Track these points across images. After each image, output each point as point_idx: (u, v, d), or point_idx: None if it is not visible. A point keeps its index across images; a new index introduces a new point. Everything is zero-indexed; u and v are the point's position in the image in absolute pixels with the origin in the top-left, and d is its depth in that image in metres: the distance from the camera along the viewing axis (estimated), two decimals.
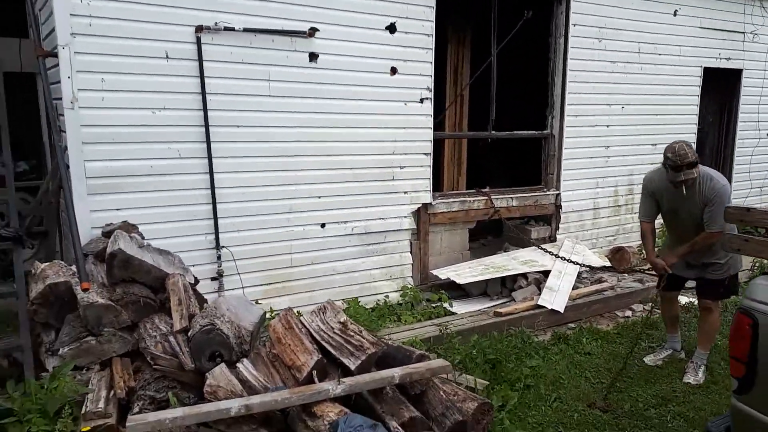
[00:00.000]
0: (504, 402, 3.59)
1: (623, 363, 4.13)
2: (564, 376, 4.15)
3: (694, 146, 4.89)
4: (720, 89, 8.04)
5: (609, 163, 6.89)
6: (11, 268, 3.64)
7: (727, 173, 8.18)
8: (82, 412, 2.89)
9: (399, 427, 2.71)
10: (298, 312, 3.47)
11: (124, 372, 3.16)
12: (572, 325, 5.16)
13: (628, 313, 5.50)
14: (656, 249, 4.26)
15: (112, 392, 3.04)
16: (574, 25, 6.32)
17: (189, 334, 3.12)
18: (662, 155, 3.85)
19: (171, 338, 3.14)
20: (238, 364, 3.00)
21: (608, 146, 6.85)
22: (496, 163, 8.54)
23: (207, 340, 3.03)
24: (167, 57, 4.22)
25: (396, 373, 2.88)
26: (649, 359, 4.41)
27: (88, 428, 2.72)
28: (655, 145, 7.19)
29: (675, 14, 7.08)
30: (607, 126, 6.80)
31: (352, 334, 3.04)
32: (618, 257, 6.56)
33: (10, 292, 3.63)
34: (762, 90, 8.04)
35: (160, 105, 4.27)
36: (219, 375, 2.84)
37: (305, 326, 3.12)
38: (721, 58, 7.64)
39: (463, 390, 3.26)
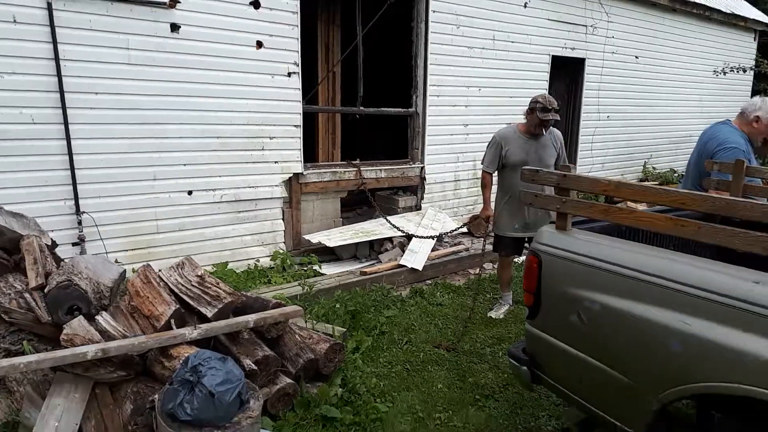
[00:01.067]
0: (358, 345, 3.97)
1: (469, 312, 4.67)
2: (416, 323, 4.62)
3: None
4: (567, 75, 8.99)
5: (468, 139, 7.51)
6: None
7: (573, 150, 9.21)
8: None
9: (252, 365, 2.98)
10: (159, 270, 3.60)
11: None
12: (429, 281, 5.68)
13: (479, 270, 6.11)
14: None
15: None
16: (434, 12, 6.81)
17: (45, 290, 3.16)
18: (529, 104, 4.37)
19: (26, 295, 3.16)
20: (97, 317, 3.09)
21: (467, 124, 7.47)
22: (371, 138, 8.97)
23: (64, 295, 3.08)
24: (14, 21, 4.10)
25: (251, 318, 3.14)
26: (492, 313, 4.96)
27: None
28: (509, 124, 7.89)
29: (525, 6, 7.81)
30: (466, 106, 7.41)
31: (209, 286, 3.24)
32: (476, 224, 7.24)
33: None
34: (601, 77, 9.09)
35: (8, 69, 4.15)
36: (77, 326, 2.93)
37: (163, 280, 3.28)
38: (566, 48, 8.53)
39: (318, 334, 3.59)
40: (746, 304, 1.89)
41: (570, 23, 8.47)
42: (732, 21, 11.27)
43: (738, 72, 9.81)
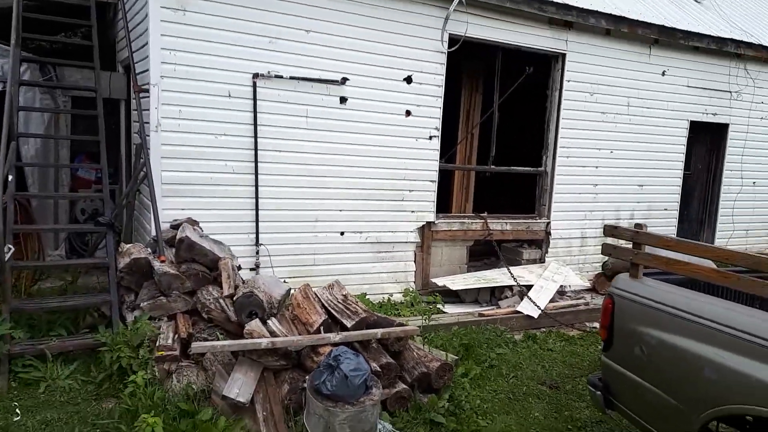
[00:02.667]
0: (467, 372, 4.62)
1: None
2: (524, 363, 5.16)
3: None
4: (708, 140, 8.98)
5: (597, 198, 7.88)
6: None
7: (713, 215, 9.09)
8: (156, 345, 4.06)
9: (377, 368, 3.80)
10: (315, 289, 4.61)
11: (186, 322, 4.34)
12: (544, 329, 6.14)
13: (596, 325, 6.44)
14: None
15: (176, 335, 4.21)
16: (568, 81, 7.43)
17: (234, 298, 4.28)
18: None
19: (221, 300, 4.31)
20: (268, 321, 4.12)
21: (596, 184, 7.86)
22: (502, 194, 9.62)
23: (247, 302, 4.17)
24: (230, 95, 5.51)
25: (379, 331, 3.99)
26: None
27: (162, 352, 3.88)
28: (642, 185, 8.20)
29: (663, 74, 8.12)
30: (596, 167, 7.83)
31: (350, 303, 4.16)
32: (600, 281, 7.54)
33: (104, 263, 4.90)
34: (746, 143, 8.94)
35: (221, 131, 5.55)
36: (254, 325, 3.98)
37: (317, 296, 4.26)
38: (707, 114, 8.61)
39: (432, 355, 4.33)
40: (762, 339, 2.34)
41: (712, 89, 8.55)
42: None
43: None
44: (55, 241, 6.89)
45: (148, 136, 5.36)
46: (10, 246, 4.54)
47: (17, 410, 3.78)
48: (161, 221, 5.24)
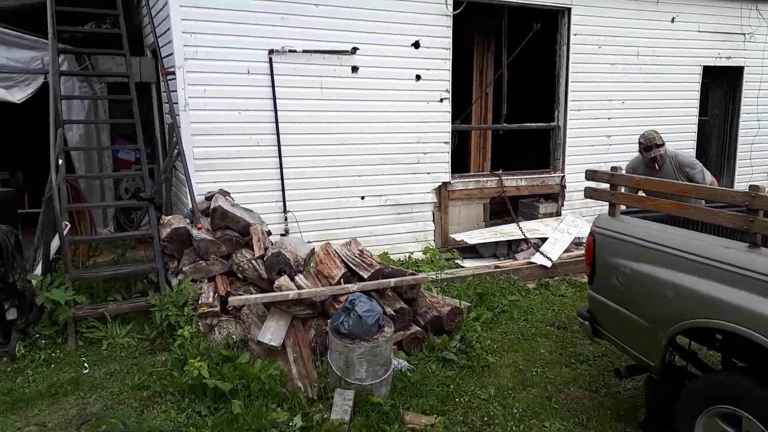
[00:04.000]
0: (479, 316, 5.03)
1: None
2: (536, 307, 5.55)
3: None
4: (724, 84, 9.00)
5: (611, 150, 8.07)
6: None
7: (732, 160, 9.17)
8: (199, 303, 4.60)
9: (393, 312, 4.26)
10: (335, 248, 5.06)
11: (224, 282, 4.87)
12: (557, 278, 6.49)
13: None
14: None
15: (216, 294, 4.74)
16: (576, 35, 7.57)
17: (264, 259, 4.77)
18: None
19: (253, 261, 4.81)
20: (295, 277, 4.60)
21: (609, 135, 8.05)
22: (519, 151, 9.86)
23: (276, 261, 4.65)
24: (248, 72, 5.92)
25: (393, 280, 4.43)
26: None
27: (204, 308, 4.42)
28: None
29: (672, 21, 8.15)
30: (608, 119, 8.00)
31: (366, 257, 4.62)
32: None
33: (149, 234, 5.45)
34: (760, 85, 8.92)
35: (243, 107, 5.98)
36: (283, 280, 4.46)
37: (337, 253, 4.72)
38: (721, 57, 8.61)
39: (445, 301, 4.77)
40: (719, 263, 2.68)
41: (724, 32, 8.54)
42: None
43: None
44: (104, 220, 7.54)
45: (178, 115, 5.83)
46: (66, 223, 5.12)
47: (85, 364, 4.38)
48: (196, 194, 5.74)
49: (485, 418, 3.65)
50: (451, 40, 6.85)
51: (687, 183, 2.98)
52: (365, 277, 4.45)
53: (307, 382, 3.83)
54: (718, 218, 2.80)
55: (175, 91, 5.80)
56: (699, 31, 8.34)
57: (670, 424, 3.06)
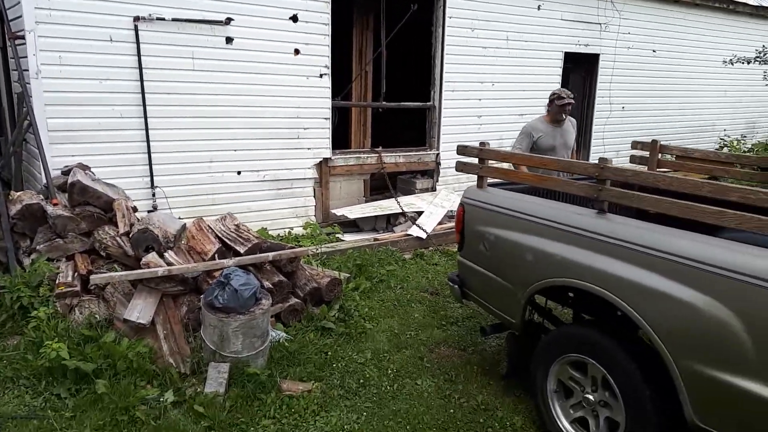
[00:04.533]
0: (358, 286, 5.13)
1: None
2: (411, 276, 5.75)
3: None
4: (582, 70, 9.78)
5: (481, 129, 8.49)
6: None
7: (587, 139, 10.01)
8: (56, 283, 4.25)
9: (271, 285, 4.22)
10: (208, 223, 4.90)
11: (84, 261, 4.53)
12: (432, 248, 6.77)
13: None
14: None
15: (76, 273, 4.40)
16: (451, 17, 7.83)
17: (130, 235, 4.50)
18: (549, 98, 5.33)
19: (117, 238, 4.52)
20: (165, 253, 4.39)
21: (480, 116, 8.46)
22: (399, 129, 10.08)
23: (143, 237, 4.40)
24: (111, 40, 5.50)
25: (271, 254, 4.38)
26: None
27: (62, 287, 4.09)
28: (522, 115, 8.86)
29: (539, 8, 8.69)
30: (479, 99, 8.40)
31: (242, 232, 4.51)
32: None
33: None
34: (613, 71, 9.81)
35: (105, 76, 5.55)
36: (151, 257, 4.24)
37: (211, 228, 4.57)
38: (580, 45, 9.34)
39: (324, 272, 4.79)
40: (572, 228, 2.93)
41: (584, 22, 9.26)
42: (759, 12, 11.61)
43: (748, 63, 10.26)
44: None
45: (29, 83, 5.29)
46: None
47: None
48: (51, 168, 5.26)
49: (361, 381, 3.75)
50: (330, 15, 6.80)
51: (546, 157, 3.21)
52: (242, 252, 4.35)
53: (179, 358, 3.70)
54: (572, 188, 3.06)
55: (26, 57, 5.25)
56: (562, 20, 8.97)
57: (527, 374, 3.33)
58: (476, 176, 3.73)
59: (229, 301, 3.54)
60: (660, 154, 4.39)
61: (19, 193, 4.95)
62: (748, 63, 10.22)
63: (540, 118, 5.52)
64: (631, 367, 2.70)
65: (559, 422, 3.11)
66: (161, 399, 3.33)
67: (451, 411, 3.46)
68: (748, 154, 10.45)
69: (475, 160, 3.73)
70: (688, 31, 10.65)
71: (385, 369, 3.92)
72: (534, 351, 3.30)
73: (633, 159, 4.61)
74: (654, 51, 10.28)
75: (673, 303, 2.47)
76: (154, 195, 5.99)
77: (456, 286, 3.83)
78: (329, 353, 4.06)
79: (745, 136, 11.93)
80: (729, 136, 11.88)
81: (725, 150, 11.26)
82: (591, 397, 2.94)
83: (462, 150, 3.79)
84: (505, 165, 4.42)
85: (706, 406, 2.41)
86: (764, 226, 2.24)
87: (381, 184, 8.11)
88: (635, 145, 4.63)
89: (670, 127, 10.97)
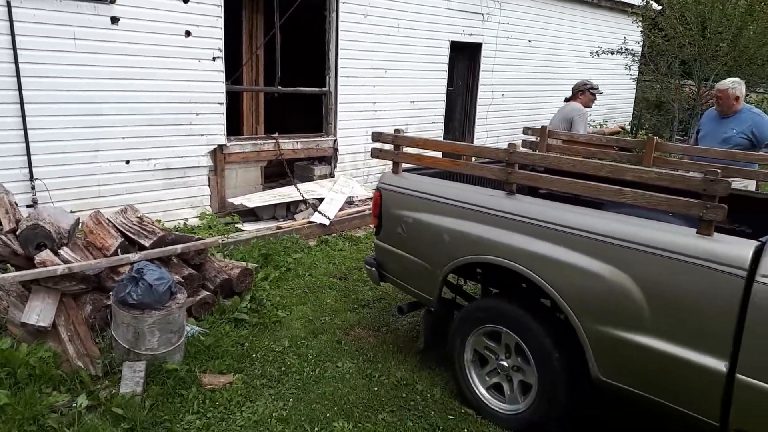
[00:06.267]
0: (267, 276, 5.10)
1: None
2: (318, 263, 5.80)
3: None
4: (467, 58, 10.27)
5: (376, 115, 8.68)
6: None
7: (471, 125, 10.56)
8: None
9: (181, 279, 4.08)
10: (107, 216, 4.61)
11: None
12: (335, 234, 6.85)
13: None
14: None
15: None
16: (344, 3, 7.88)
17: (17, 232, 4.12)
18: (581, 87, 6.53)
19: (2, 236, 4.12)
20: (60, 251, 4.08)
21: (375, 102, 8.63)
22: (293, 114, 10.00)
23: (33, 234, 4.05)
24: None
25: (179, 246, 4.23)
26: None
27: None
28: (413, 102, 9.19)
29: None
30: (374, 86, 8.55)
31: (146, 225, 4.31)
32: None
33: None
34: (495, 60, 10.41)
35: None
36: (45, 255, 3.92)
37: (111, 222, 4.32)
38: (465, 34, 9.79)
39: (233, 263, 4.71)
40: (484, 208, 3.15)
41: (468, 12, 9.70)
42: (620, 7, 12.82)
43: (611, 54, 11.36)
44: None
45: None
46: None
47: None
48: None
49: (282, 368, 3.77)
50: None
51: (457, 142, 3.40)
52: (147, 245, 4.16)
53: (87, 360, 3.49)
54: (483, 171, 3.28)
55: None
56: (448, 8, 9.33)
57: (442, 347, 3.55)
58: (391, 162, 3.84)
59: (144, 297, 3.40)
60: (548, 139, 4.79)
61: None
62: (612, 54, 11.29)
63: (577, 104, 6.52)
64: (541, 332, 2.99)
65: (476, 389, 3.36)
66: (74, 404, 3.14)
67: (375, 389, 3.59)
68: (627, 138, 11.57)
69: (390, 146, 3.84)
70: (561, 23, 11.54)
71: (305, 355, 3.97)
72: (450, 325, 3.52)
73: (524, 143, 4.99)
74: (530, 41, 11.02)
75: (576, 271, 2.76)
76: (33, 188, 5.51)
77: (373, 269, 3.95)
78: (246, 344, 4.03)
79: (606, 121, 13.18)
80: (594, 121, 13.06)
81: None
82: (505, 363, 3.22)
83: (377, 137, 3.89)
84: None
85: (608, 361, 2.74)
86: (654, 202, 2.58)
87: (276, 171, 8.03)
88: (526, 130, 5.01)
89: (544, 113, 11.79)
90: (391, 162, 3.83)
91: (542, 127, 4.80)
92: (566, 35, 11.78)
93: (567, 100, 6.67)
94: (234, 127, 7.91)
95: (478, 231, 3.17)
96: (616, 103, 13.97)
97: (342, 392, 3.54)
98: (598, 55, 11.42)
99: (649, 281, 2.57)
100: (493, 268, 3.18)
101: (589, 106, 6.57)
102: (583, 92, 6.50)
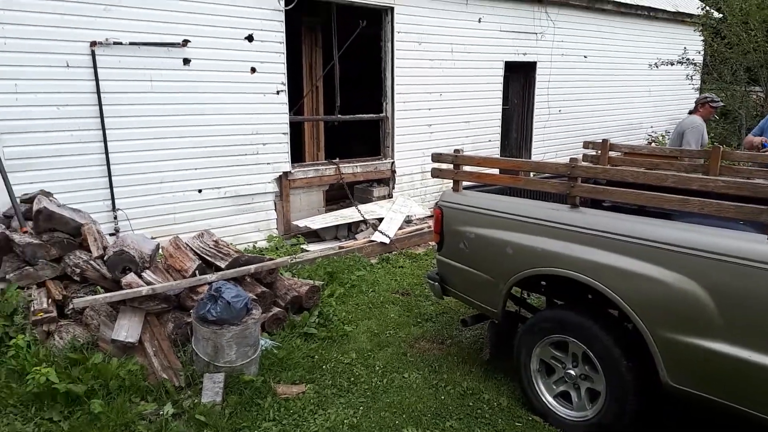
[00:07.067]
0: (333, 292, 5.29)
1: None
2: (381, 279, 5.95)
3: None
4: (522, 77, 10.32)
5: (432, 137, 8.83)
6: None
7: (528, 142, 10.55)
8: (31, 310, 4.19)
9: (254, 297, 4.31)
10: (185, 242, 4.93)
11: (57, 287, 4.48)
12: (395, 252, 6.99)
13: None
14: None
15: (50, 299, 4.35)
16: (399, 32, 8.13)
17: (104, 258, 4.49)
18: (702, 100, 6.50)
19: (92, 262, 4.50)
20: (143, 274, 4.42)
21: (431, 125, 8.80)
22: (351, 140, 10.31)
23: (119, 259, 4.41)
24: (68, 65, 5.45)
25: (252, 266, 4.48)
26: None
27: (40, 314, 4.05)
28: (468, 122, 9.30)
29: (479, 21, 9.13)
30: (429, 109, 8.74)
31: (222, 247, 4.59)
32: None
33: None
34: (550, 77, 10.41)
35: (63, 102, 5.49)
36: (131, 278, 4.26)
37: (189, 246, 4.63)
38: (519, 54, 9.87)
39: (301, 281, 4.92)
40: (548, 222, 3.21)
41: (521, 32, 9.79)
42: (678, 18, 12.57)
43: (671, 65, 11.12)
44: None
45: None
46: None
47: None
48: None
49: (351, 379, 3.91)
50: (284, 34, 6.96)
51: (517, 159, 3.50)
52: (222, 266, 4.43)
53: (171, 372, 3.74)
54: (545, 186, 3.36)
55: None
56: (501, 31, 9.45)
57: (508, 358, 3.58)
58: (452, 180, 3.95)
59: (223, 313, 3.63)
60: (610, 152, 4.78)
61: None
62: (672, 65, 11.06)
63: (695, 117, 6.52)
64: (609, 341, 3.00)
65: (543, 398, 3.38)
66: (161, 412, 3.38)
67: (442, 398, 3.67)
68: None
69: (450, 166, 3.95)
70: (615, 37, 11.41)
71: (372, 366, 4.09)
72: (515, 336, 3.56)
73: (585, 157, 4.99)
74: (585, 57, 10.96)
75: (644, 280, 2.78)
76: (116, 218, 5.94)
77: (436, 284, 4.05)
78: (316, 357, 4.20)
79: (668, 132, 12.81)
80: (655, 132, 12.77)
81: (653, 145, 12.08)
82: (572, 372, 3.23)
83: (437, 157, 4.03)
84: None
85: (678, 367, 2.72)
86: (722, 210, 2.58)
87: (337, 194, 8.28)
88: (587, 144, 5.02)
89: (603, 127, 11.68)
90: (448, 181, 3.94)
91: (603, 140, 4.81)
92: (622, 48, 11.64)
93: (690, 112, 6.65)
94: (297, 154, 8.26)
95: (544, 244, 3.22)
96: (677, 113, 13.57)
97: (410, 401, 3.63)
98: (657, 67, 11.21)
99: (719, 288, 2.56)
100: (559, 280, 3.22)
101: (710, 119, 6.63)
102: (703, 105, 6.51)
